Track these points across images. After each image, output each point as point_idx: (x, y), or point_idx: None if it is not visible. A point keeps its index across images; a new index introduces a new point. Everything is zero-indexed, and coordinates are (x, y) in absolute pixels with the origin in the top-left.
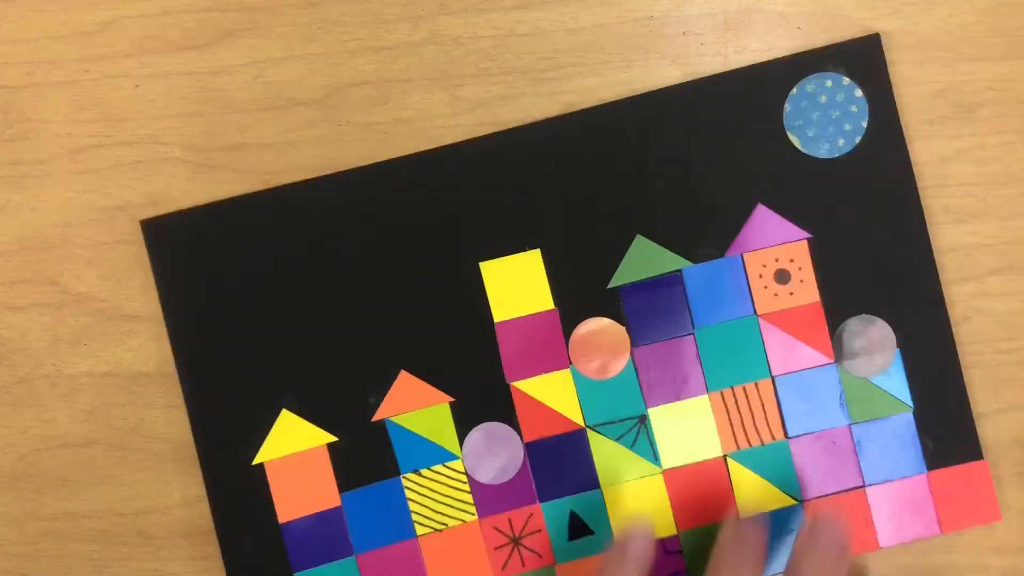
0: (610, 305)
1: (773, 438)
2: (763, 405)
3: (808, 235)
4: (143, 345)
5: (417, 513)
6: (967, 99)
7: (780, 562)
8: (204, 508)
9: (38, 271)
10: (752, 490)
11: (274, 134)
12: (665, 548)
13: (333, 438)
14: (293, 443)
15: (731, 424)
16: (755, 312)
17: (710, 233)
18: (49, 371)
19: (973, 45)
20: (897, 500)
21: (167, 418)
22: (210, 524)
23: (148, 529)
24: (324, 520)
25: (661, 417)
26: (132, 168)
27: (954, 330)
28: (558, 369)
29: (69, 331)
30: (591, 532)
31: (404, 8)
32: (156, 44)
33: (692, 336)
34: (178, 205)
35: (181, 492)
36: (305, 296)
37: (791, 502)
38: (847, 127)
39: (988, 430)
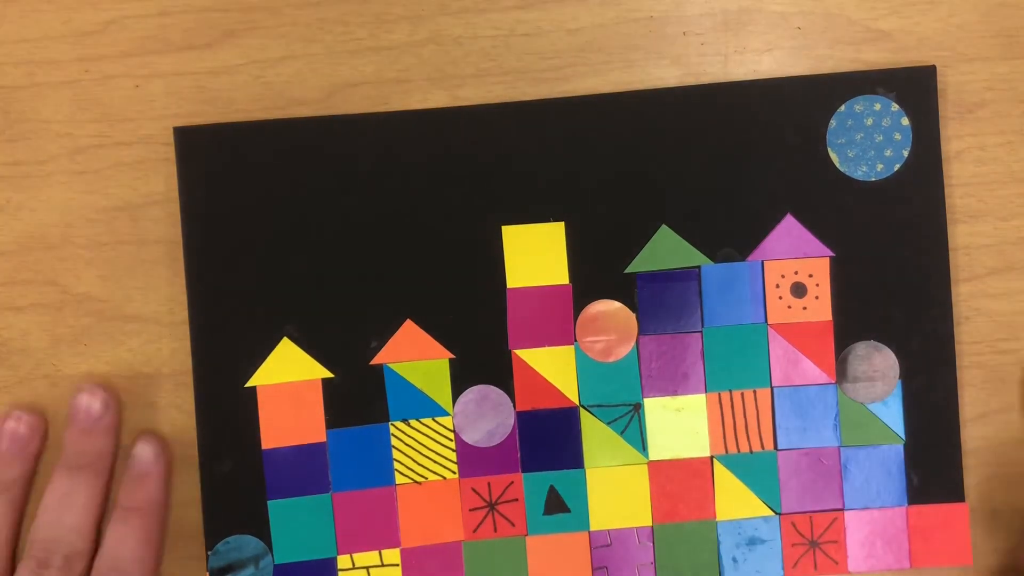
0: (624, 290)
1: (763, 447)
2: (758, 413)
3: (832, 253)
4: (143, 345)
5: (399, 462)
6: (967, 99)
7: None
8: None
9: (38, 271)
10: (733, 495)
11: None
12: (638, 537)
13: (329, 374)
14: (289, 372)
15: (723, 427)
16: (766, 321)
17: (735, 235)
18: (49, 371)
19: (973, 45)
20: (873, 528)
21: (167, 418)
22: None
23: None
24: (307, 453)
25: (656, 409)
26: (132, 168)
27: (955, 330)
28: (562, 344)
29: (69, 331)
30: (567, 510)
31: (404, 8)
32: (156, 44)
33: (700, 334)
34: (178, 205)
35: (181, 492)
36: (325, 230)
37: (769, 513)
38: (888, 153)
39: (988, 430)
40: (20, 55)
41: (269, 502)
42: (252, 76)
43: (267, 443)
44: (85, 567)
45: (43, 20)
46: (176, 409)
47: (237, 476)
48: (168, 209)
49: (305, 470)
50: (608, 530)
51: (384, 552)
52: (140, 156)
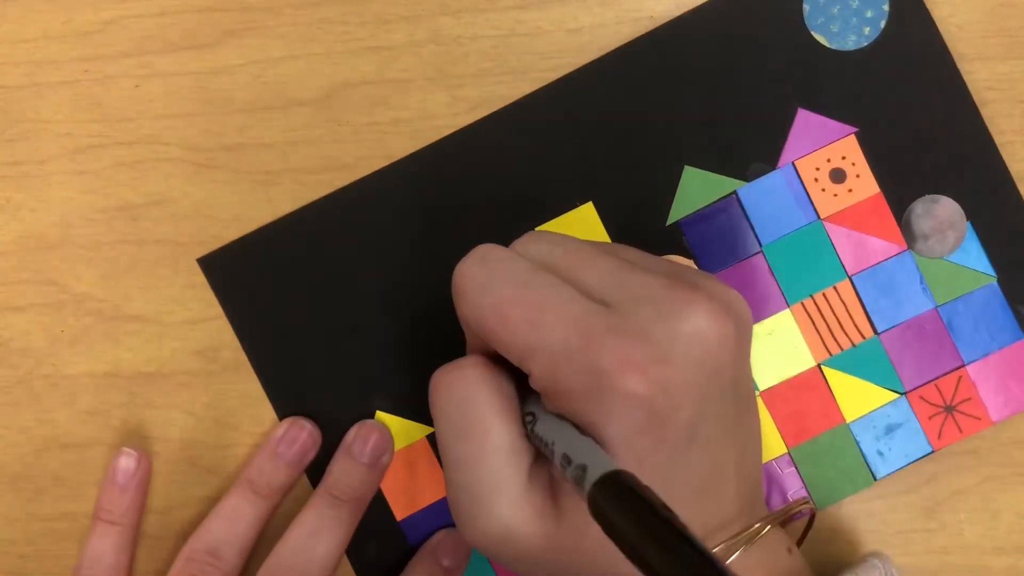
0: (673, 242)
1: (863, 337)
2: (846, 307)
3: (854, 129)
4: (143, 345)
5: None
6: None
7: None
8: (203, 508)
9: (38, 271)
10: (853, 392)
11: (274, 134)
12: (779, 468)
13: (431, 428)
14: (395, 442)
15: (818, 332)
16: (818, 217)
17: (757, 149)
18: (49, 371)
19: (973, 45)
20: (1000, 372)
21: (167, 418)
22: None
23: (148, 529)
24: (440, 510)
25: None
26: (132, 168)
27: None
28: None
29: (69, 331)
30: None
31: (404, 8)
32: (156, 44)
33: (761, 254)
34: (178, 205)
35: (181, 492)
36: (370, 297)
37: (894, 396)
38: (868, 14)
39: (989, 432)
40: (20, 55)
41: None
42: (252, 76)
43: (400, 514)
44: None
45: (43, 20)
46: (176, 409)
47: (384, 554)
48: (168, 209)
49: (444, 526)
50: None
51: None
52: (140, 156)
